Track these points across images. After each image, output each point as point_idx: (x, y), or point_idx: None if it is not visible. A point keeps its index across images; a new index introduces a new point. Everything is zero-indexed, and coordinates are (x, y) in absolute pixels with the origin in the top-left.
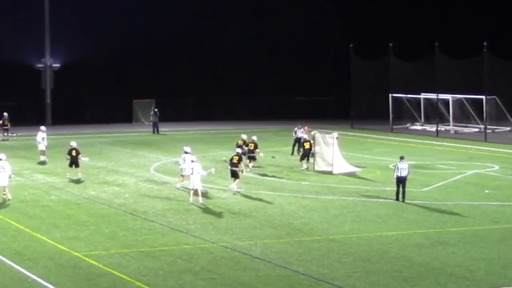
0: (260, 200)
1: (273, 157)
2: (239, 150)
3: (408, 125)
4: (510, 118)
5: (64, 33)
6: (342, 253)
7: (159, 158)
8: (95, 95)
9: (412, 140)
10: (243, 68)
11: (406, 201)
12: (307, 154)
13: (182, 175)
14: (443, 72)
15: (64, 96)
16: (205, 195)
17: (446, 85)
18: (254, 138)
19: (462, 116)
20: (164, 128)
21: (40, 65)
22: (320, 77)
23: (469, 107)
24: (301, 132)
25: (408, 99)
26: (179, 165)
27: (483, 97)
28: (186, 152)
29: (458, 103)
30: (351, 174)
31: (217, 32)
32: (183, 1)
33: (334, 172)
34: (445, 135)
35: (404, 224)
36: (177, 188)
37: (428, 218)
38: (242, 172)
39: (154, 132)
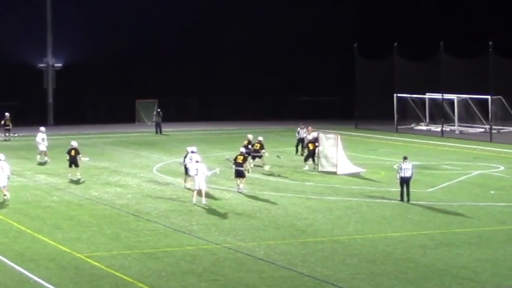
0: (264, 201)
1: (278, 156)
2: (243, 150)
3: (413, 125)
4: None
5: (66, 33)
6: (347, 255)
7: (162, 158)
8: (97, 95)
9: (417, 140)
10: (247, 68)
11: (411, 202)
12: (311, 155)
13: (189, 175)
14: (448, 72)
15: (66, 96)
16: (208, 195)
17: (451, 85)
18: (260, 138)
19: (467, 116)
20: (167, 129)
21: (42, 65)
22: (324, 77)
23: (474, 107)
24: (304, 132)
25: (413, 99)
26: (185, 164)
27: (489, 97)
28: (192, 152)
29: (463, 103)
30: (356, 175)
31: (221, 32)
32: (187, 1)
33: (338, 172)
34: (450, 135)
35: (409, 225)
36: (188, 188)
37: (433, 219)
38: (248, 172)
39: (157, 133)
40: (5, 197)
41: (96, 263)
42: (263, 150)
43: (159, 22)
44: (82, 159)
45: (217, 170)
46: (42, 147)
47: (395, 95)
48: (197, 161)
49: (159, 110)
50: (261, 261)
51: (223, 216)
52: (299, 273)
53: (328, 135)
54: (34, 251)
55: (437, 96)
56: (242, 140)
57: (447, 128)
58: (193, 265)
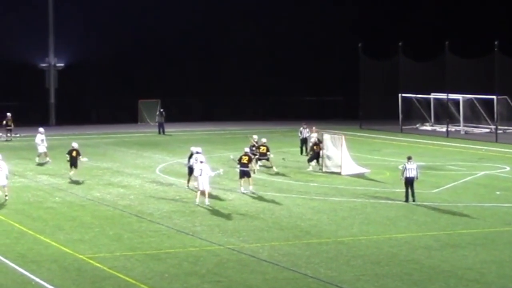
0: (268, 201)
1: (283, 159)
2: (247, 150)
3: (417, 125)
4: None
5: (68, 32)
6: (351, 256)
7: (164, 159)
8: (99, 95)
9: (421, 140)
10: (250, 68)
11: (416, 202)
12: (316, 156)
13: (195, 175)
14: (453, 72)
15: (68, 96)
16: (211, 196)
17: (456, 85)
18: (264, 140)
19: (473, 117)
20: (170, 129)
21: (44, 65)
22: (329, 77)
23: (479, 107)
24: (306, 132)
25: (418, 99)
26: (191, 165)
27: (494, 97)
28: (197, 152)
29: (469, 103)
30: (360, 175)
31: (224, 32)
32: (188, 1)
33: (342, 173)
34: (455, 135)
35: (413, 226)
36: (194, 189)
37: (438, 220)
38: (254, 173)
39: (159, 133)
40: (5, 197)
41: (98, 265)
42: (268, 153)
43: (161, 22)
44: (82, 159)
45: (221, 171)
46: (42, 148)
47: (399, 95)
48: (201, 162)
49: (162, 110)
50: (264, 263)
51: (227, 217)
52: (303, 275)
53: (333, 136)
54: (36, 253)
55: (442, 96)
56: (245, 140)
57: (452, 128)
58: (196, 267)
